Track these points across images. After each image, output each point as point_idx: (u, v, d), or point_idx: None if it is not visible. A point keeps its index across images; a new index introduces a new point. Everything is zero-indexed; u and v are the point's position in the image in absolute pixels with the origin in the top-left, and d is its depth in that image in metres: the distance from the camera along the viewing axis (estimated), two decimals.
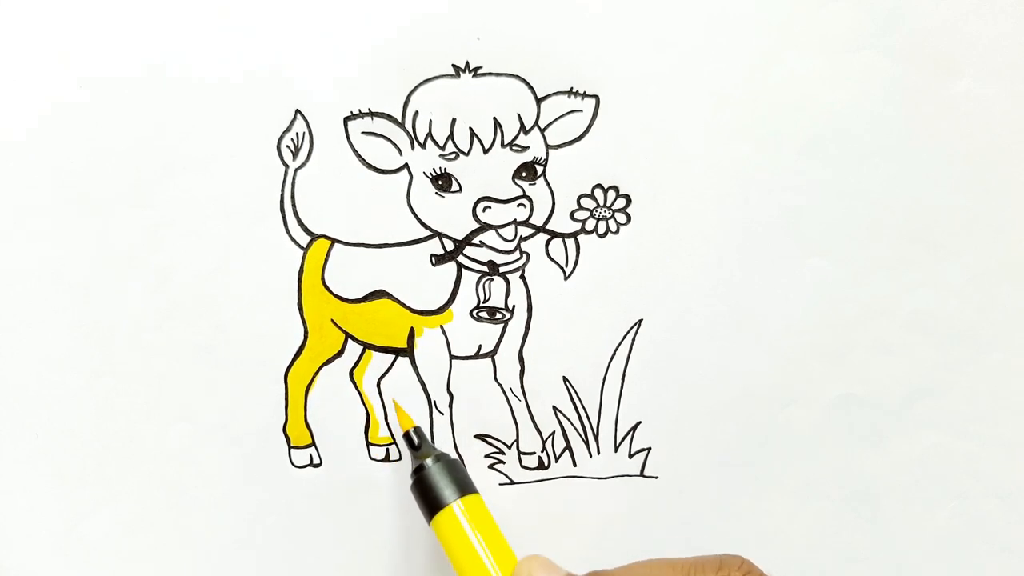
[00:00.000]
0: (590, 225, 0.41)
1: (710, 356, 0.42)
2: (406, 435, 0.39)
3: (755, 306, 0.42)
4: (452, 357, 0.42)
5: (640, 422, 0.42)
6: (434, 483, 0.37)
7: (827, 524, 0.43)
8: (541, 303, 0.42)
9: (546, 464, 0.43)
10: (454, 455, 0.42)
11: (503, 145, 0.40)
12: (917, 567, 0.43)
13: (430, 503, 0.37)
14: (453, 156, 0.40)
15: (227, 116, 0.40)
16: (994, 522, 0.43)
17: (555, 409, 0.42)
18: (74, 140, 0.40)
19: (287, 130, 0.40)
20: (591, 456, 0.43)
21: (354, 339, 0.42)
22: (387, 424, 0.42)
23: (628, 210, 0.41)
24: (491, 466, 0.43)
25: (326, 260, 0.41)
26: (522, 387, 0.42)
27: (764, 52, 0.40)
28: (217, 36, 0.39)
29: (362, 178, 0.40)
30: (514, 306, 0.42)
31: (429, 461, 0.38)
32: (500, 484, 0.43)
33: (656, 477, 0.43)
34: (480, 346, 0.42)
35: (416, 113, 0.40)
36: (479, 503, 0.37)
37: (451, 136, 0.40)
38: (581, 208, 0.41)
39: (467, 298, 0.41)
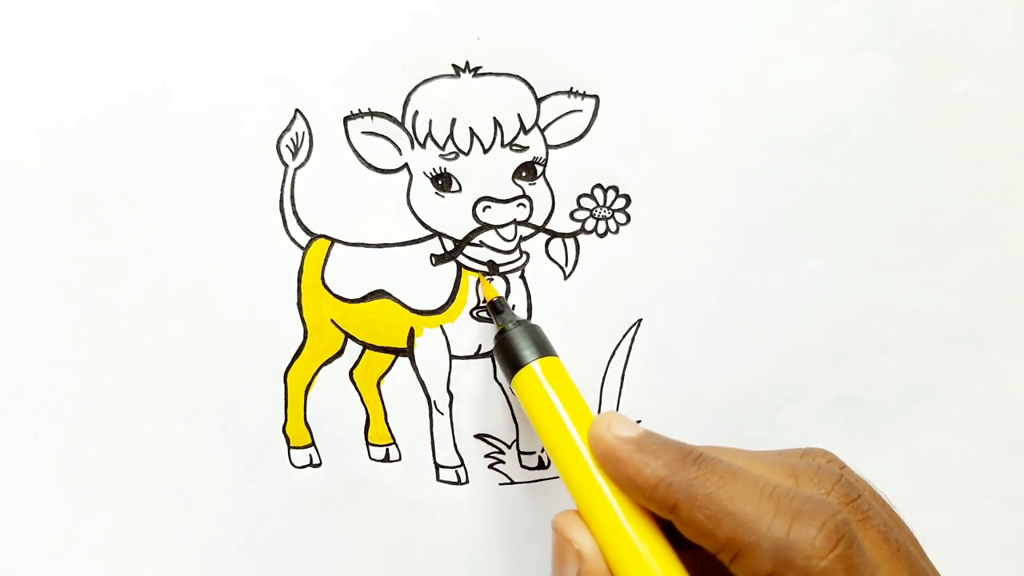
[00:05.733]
0: (590, 225, 0.41)
1: (710, 356, 0.42)
2: (490, 303, 0.40)
3: (755, 306, 0.42)
4: (452, 357, 0.42)
5: (640, 421, 0.42)
6: (515, 345, 0.37)
7: None
8: (541, 303, 0.42)
9: (546, 464, 0.43)
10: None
11: (503, 145, 0.40)
12: None
13: (511, 362, 0.37)
14: (453, 156, 0.40)
15: (227, 116, 0.40)
16: (994, 522, 0.43)
17: None
18: (74, 141, 0.40)
19: (287, 130, 0.40)
20: None
21: (354, 339, 0.42)
22: (387, 423, 0.42)
23: (628, 210, 0.41)
24: (491, 466, 0.43)
25: (326, 260, 0.41)
26: None
27: (764, 52, 0.40)
28: (217, 36, 0.39)
29: (362, 178, 0.40)
30: (514, 306, 0.42)
31: (511, 325, 0.38)
32: (500, 484, 0.43)
33: None
34: (480, 346, 0.42)
35: (416, 113, 0.40)
36: (557, 364, 0.37)
37: (451, 136, 0.40)
38: (581, 208, 0.41)
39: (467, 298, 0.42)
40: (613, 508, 0.31)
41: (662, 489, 0.29)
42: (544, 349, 0.37)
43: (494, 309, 0.40)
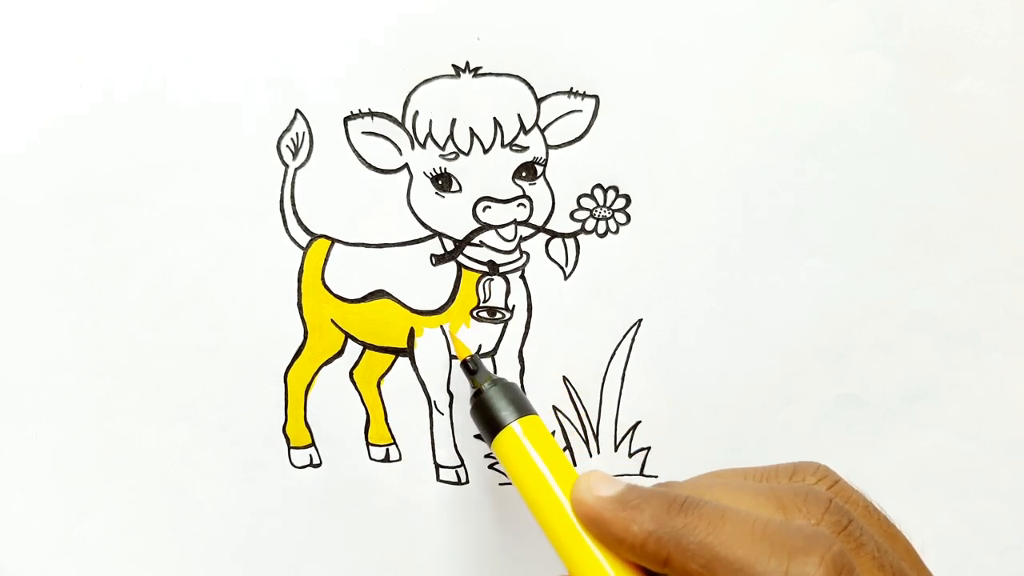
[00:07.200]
0: (590, 225, 0.41)
1: (710, 356, 0.42)
2: (463, 363, 0.39)
3: (755, 306, 0.42)
4: (452, 357, 0.42)
5: (640, 421, 0.42)
6: (492, 406, 0.36)
7: None
8: (541, 303, 0.42)
9: None
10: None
11: (503, 145, 0.40)
12: None
13: (489, 424, 0.36)
14: (453, 156, 0.40)
15: (227, 116, 0.40)
16: (994, 522, 0.43)
17: (555, 409, 0.42)
18: (74, 140, 0.40)
19: (287, 130, 0.40)
20: (591, 456, 0.43)
21: (354, 339, 0.42)
22: (387, 423, 0.42)
23: (628, 210, 0.41)
24: (491, 466, 0.43)
25: (326, 260, 0.41)
26: (522, 387, 0.42)
27: (764, 52, 0.40)
28: (217, 36, 0.39)
29: (362, 178, 0.40)
30: (514, 306, 0.42)
31: (486, 385, 0.37)
32: (500, 484, 0.43)
33: (656, 476, 0.43)
34: (480, 346, 0.42)
35: (416, 113, 0.40)
36: (537, 423, 0.36)
37: (451, 136, 0.40)
38: (581, 208, 0.41)
39: (467, 298, 0.41)
40: (605, 570, 0.30)
41: (652, 543, 0.28)
42: (522, 408, 0.36)
43: (467, 369, 0.39)
